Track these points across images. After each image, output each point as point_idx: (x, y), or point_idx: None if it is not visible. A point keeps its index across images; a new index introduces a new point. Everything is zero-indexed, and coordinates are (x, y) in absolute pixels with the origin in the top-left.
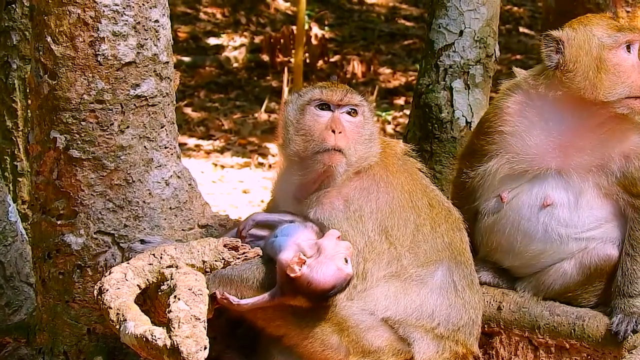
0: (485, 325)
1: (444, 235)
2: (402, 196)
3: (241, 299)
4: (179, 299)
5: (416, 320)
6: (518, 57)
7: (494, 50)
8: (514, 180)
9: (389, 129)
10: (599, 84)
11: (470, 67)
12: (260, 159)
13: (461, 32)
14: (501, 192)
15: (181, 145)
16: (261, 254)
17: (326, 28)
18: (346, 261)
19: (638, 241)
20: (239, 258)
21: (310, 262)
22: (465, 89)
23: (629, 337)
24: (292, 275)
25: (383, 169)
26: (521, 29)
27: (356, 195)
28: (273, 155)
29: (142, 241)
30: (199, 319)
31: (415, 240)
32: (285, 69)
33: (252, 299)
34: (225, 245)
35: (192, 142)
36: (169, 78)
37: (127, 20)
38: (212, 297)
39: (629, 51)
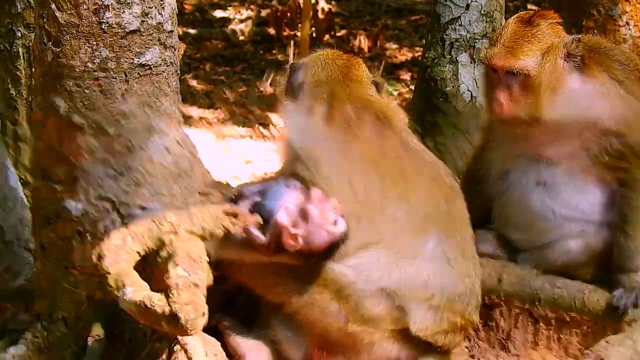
0: (486, 297)
1: (425, 205)
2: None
3: (243, 265)
4: (178, 266)
5: (410, 291)
6: None
7: (500, 24)
8: (513, 164)
9: (395, 103)
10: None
11: (477, 41)
12: (264, 131)
13: (468, 6)
14: (503, 175)
15: (185, 116)
16: (261, 221)
17: (333, 2)
18: (335, 222)
19: (627, 216)
20: (237, 226)
21: (302, 233)
22: (471, 63)
23: (630, 311)
24: (291, 250)
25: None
26: (529, 6)
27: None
28: (275, 126)
29: (142, 208)
30: (198, 286)
31: (387, 206)
32: (292, 43)
33: (256, 233)
34: (225, 213)
35: (196, 113)
36: (173, 47)
37: None
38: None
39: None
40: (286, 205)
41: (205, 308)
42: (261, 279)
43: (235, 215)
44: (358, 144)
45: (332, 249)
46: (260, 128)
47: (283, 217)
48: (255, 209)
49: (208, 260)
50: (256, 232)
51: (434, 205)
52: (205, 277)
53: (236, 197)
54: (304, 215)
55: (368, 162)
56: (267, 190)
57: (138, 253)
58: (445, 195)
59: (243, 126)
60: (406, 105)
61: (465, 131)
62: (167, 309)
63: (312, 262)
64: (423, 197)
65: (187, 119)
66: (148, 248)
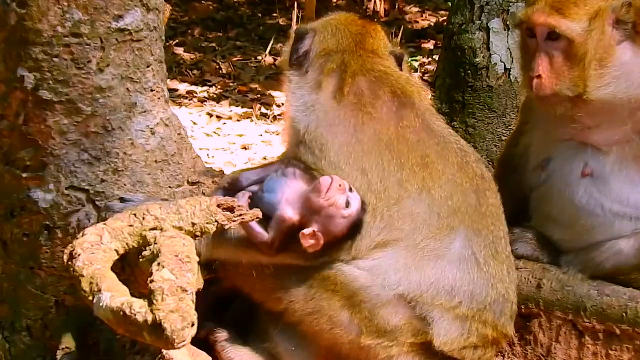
0: (523, 306)
1: (451, 198)
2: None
3: (239, 266)
4: (163, 267)
5: (433, 298)
6: None
7: None
8: (554, 151)
9: (416, 77)
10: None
11: (511, 4)
12: (264, 110)
13: None
14: (543, 163)
15: (171, 91)
16: (261, 216)
17: None
18: (348, 204)
19: None
20: (234, 221)
21: (319, 228)
22: (505, 30)
23: None
24: (313, 250)
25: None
26: None
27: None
28: (278, 105)
29: (122, 199)
30: (187, 290)
31: (406, 199)
32: (295, 5)
33: (258, 229)
34: (219, 206)
35: (183, 87)
36: (157, 9)
37: None
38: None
39: None
40: (287, 198)
41: (194, 317)
42: (260, 283)
43: (230, 209)
44: (373, 125)
45: (354, 229)
46: (260, 106)
47: (288, 211)
48: (254, 201)
49: (198, 260)
50: (258, 229)
51: (462, 198)
52: (194, 280)
53: (232, 187)
54: (310, 207)
55: (384, 147)
56: (265, 180)
57: (117, 252)
58: (475, 187)
59: (239, 104)
60: (429, 79)
61: (499, 111)
62: (150, 318)
63: (318, 262)
64: (449, 189)
65: (173, 95)
66: (128, 246)
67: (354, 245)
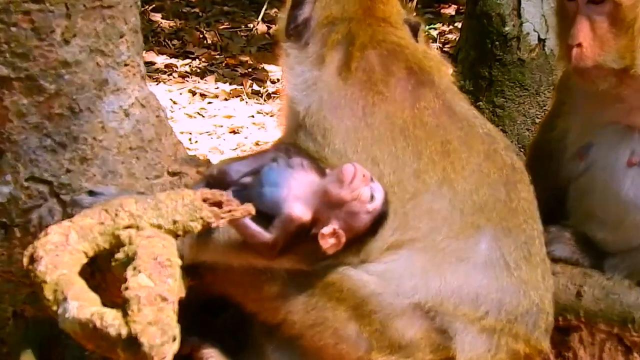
0: (560, 317)
1: (476, 191)
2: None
3: (229, 270)
4: (139, 272)
5: (455, 308)
6: None
7: None
8: (596, 136)
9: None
10: None
11: None
12: (255, 86)
13: None
14: (583, 150)
15: (147, 64)
16: (253, 211)
17: None
18: (372, 197)
19: None
20: (223, 217)
21: (339, 225)
22: None
23: None
24: (333, 251)
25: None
26: None
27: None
28: (273, 82)
29: (91, 192)
30: (167, 299)
31: (424, 193)
32: None
33: (253, 227)
34: (204, 200)
35: (161, 60)
36: None
37: None
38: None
39: None
40: (295, 193)
41: (176, 330)
42: (253, 290)
43: (218, 204)
44: (384, 106)
45: (377, 224)
46: (251, 83)
47: (297, 208)
48: (249, 196)
49: (181, 264)
50: (255, 227)
51: (489, 191)
52: (176, 287)
53: (219, 178)
54: (328, 200)
55: (398, 132)
56: (264, 171)
57: (85, 254)
58: (504, 179)
59: (227, 80)
60: (450, 52)
61: (531, 89)
62: (124, 331)
63: (321, 265)
64: (474, 181)
65: (150, 69)
66: (99, 247)
67: (364, 247)
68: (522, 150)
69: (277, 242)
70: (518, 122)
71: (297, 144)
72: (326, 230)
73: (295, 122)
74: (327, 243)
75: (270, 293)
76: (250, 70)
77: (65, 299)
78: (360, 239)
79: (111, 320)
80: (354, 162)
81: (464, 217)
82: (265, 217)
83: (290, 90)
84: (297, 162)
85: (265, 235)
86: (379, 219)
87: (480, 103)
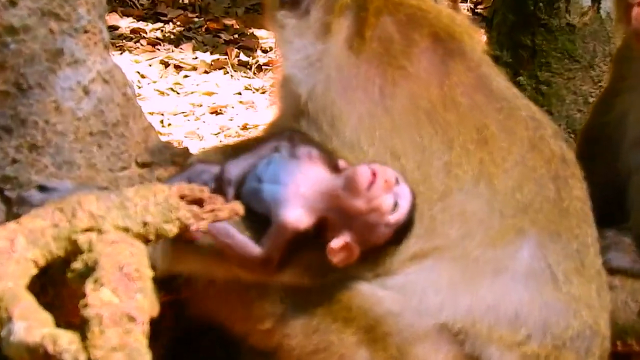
0: (618, 341)
1: (518, 188)
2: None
3: (211, 284)
4: (102, 286)
5: (490, 330)
6: None
7: None
8: None
9: (464, 12)
10: None
11: None
12: (243, 56)
13: None
14: None
15: (109, 29)
16: (242, 211)
17: None
18: (396, 205)
19: None
20: (204, 219)
21: (353, 238)
22: None
23: None
24: (344, 265)
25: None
26: None
27: None
28: (265, 50)
29: (43, 188)
30: (135, 319)
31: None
32: None
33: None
34: (182, 197)
35: (126, 24)
36: None
37: None
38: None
39: None
40: (301, 192)
41: (146, 356)
42: (242, 309)
43: (198, 202)
44: (407, 84)
45: (401, 234)
46: (238, 52)
47: (294, 213)
48: (243, 194)
49: (152, 276)
50: (241, 238)
51: (535, 189)
52: (147, 304)
53: (198, 169)
54: (340, 209)
55: (424, 116)
56: (262, 163)
57: (35, 263)
58: (553, 173)
59: (207, 48)
60: (484, 15)
61: (583, 61)
62: (82, 358)
63: (327, 280)
64: (516, 176)
65: (112, 35)
66: (52, 255)
67: (381, 259)
68: (572, 136)
69: (271, 257)
70: (567, 101)
71: (299, 134)
72: (335, 244)
73: (295, 108)
74: (337, 257)
75: (263, 312)
76: (236, 36)
77: (10, 319)
78: (378, 249)
79: (66, 345)
80: (369, 156)
81: (504, 219)
82: (264, 221)
83: (289, 68)
84: (304, 153)
85: (254, 249)
86: (403, 229)
87: (521, 78)
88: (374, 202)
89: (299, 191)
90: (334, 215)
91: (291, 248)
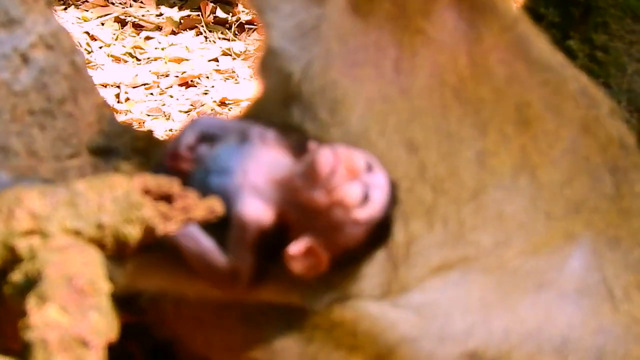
0: None
1: (567, 183)
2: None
3: (183, 303)
4: (47, 302)
5: (530, 359)
6: None
7: None
8: None
9: None
10: None
11: None
12: (220, 12)
13: None
14: None
15: None
16: (221, 210)
17: None
18: (366, 197)
19: None
20: (174, 218)
21: (317, 240)
22: None
23: None
24: (312, 276)
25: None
26: None
27: None
28: (248, 11)
29: None
30: (89, 343)
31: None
32: None
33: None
34: (146, 192)
35: None
36: None
37: None
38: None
39: None
40: (253, 183)
41: None
42: (219, 333)
43: (167, 198)
44: (427, 54)
45: (379, 235)
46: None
47: (254, 207)
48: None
49: (111, 291)
50: (208, 245)
51: (589, 183)
52: (103, 325)
53: (168, 158)
54: (298, 203)
55: (450, 93)
56: (213, 153)
57: None
58: (610, 163)
59: (176, 3)
60: None
61: None
62: None
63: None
64: (566, 167)
65: None
66: None
67: (392, 276)
68: (635, 115)
69: (237, 268)
70: (629, 71)
71: (289, 122)
72: (293, 248)
73: (285, 90)
74: (298, 265)
75: (246, 338)
76: None
77: None
78: (355, 253)
79: None
80: (380, 148)
81: (551, 222)
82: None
83: (276, 40)
84: (255, 134)
85: (219, 258)
86: (380, 229)
87: (571, 42)
88: (334, 194)
89: (251, 180)
90: (294, 212)
91: (264, 255)
